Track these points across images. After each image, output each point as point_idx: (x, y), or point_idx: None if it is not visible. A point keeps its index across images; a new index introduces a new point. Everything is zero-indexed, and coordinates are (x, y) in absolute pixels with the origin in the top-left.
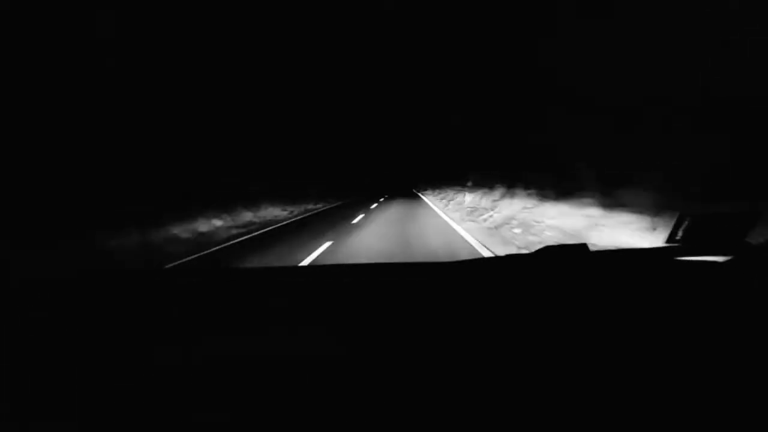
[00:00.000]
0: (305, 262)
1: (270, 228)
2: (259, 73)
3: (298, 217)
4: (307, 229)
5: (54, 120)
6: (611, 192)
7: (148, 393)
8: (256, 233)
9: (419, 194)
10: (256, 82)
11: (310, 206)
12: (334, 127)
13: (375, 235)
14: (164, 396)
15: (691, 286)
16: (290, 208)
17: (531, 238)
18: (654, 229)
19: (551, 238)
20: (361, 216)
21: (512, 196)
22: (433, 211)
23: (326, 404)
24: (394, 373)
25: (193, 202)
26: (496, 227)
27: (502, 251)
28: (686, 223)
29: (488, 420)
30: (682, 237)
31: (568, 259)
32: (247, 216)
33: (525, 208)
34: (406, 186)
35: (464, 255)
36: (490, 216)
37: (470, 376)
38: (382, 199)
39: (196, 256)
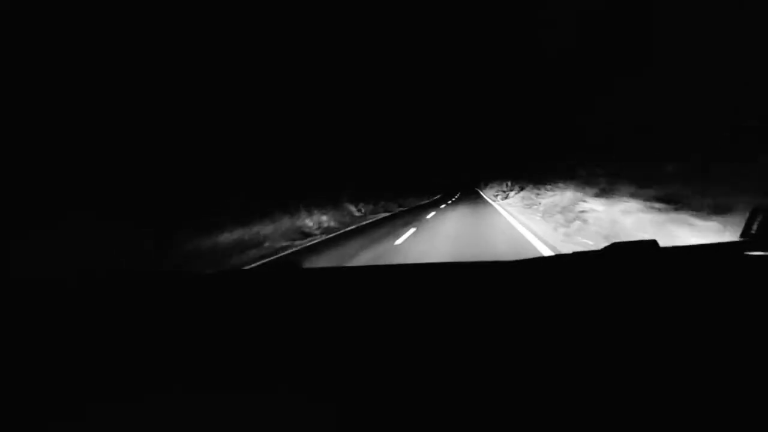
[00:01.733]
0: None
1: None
2: (335, 79)
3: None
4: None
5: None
6: None
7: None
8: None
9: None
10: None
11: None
12: (407, 132)
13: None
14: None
15: (764, 283)
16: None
17: None
18: None
19: None
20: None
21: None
22: None
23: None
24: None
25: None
26: None
27: None
28: (760, 217)
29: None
30: (756, 232)
31: (637, 256)
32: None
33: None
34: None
35: None
36: None
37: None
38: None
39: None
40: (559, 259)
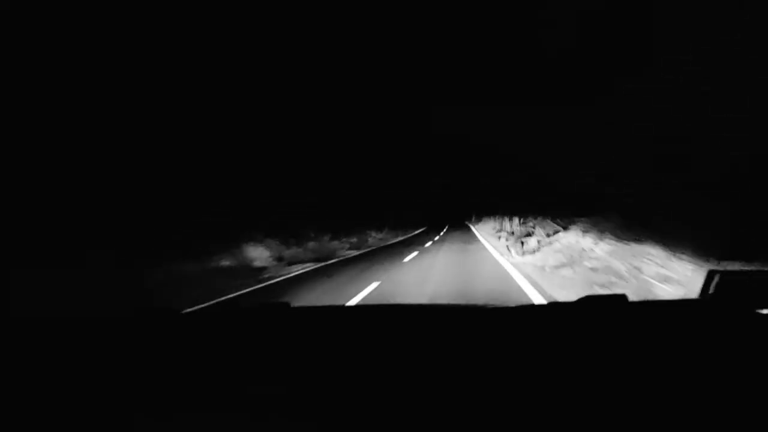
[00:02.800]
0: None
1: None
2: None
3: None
4: None
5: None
6: None
7: None
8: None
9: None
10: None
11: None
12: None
13: None
14: None
15: (726, 341)
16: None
17: None
18: None
19: None
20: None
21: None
22: None
23: None
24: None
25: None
26: None
27: None
28: (716, 278)
29: None
30: (713, 292)
31: (607, 309)
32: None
33: None
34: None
35: None
36: None
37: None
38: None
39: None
40: (535, 309)
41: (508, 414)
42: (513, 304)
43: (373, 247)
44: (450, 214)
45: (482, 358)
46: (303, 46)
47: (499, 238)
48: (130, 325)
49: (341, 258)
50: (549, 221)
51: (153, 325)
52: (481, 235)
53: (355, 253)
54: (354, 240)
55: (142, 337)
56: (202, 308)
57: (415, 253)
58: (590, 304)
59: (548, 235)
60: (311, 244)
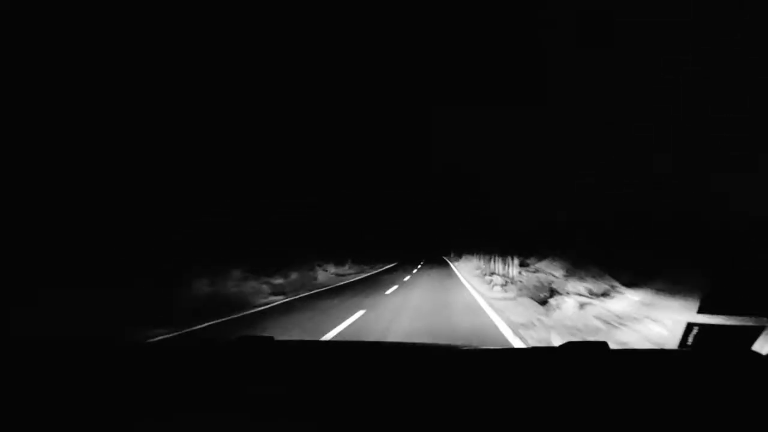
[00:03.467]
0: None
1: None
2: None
3: None
4: None
5: None
6: None
7: None
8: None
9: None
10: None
11: None
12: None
13: None
14: None
15: (703, 391)
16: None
17: None
18: None
19: None
20: None
21: None
22: None
23: None
24: None
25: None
26: None
27: None
28: (695, 330)
29: None
30: (692, 343)
31: (588, 356)
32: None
33: None
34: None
35: None
36: None
37: None
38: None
39: None
40: (517, 353)
41: None
42: (498, 347)
43: (317, 290)
44: (426, 249)
45: (467, 400)
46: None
47: (490, 283)
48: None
49: (243, 314)
50: (585, 274)
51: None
52: (463, 276)
53: (277, 301)
54: (292, 278)
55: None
56: (172, 339)
57: (362, 313)
58: (572, 349)
59: (597, 295)
60: (204, 287)
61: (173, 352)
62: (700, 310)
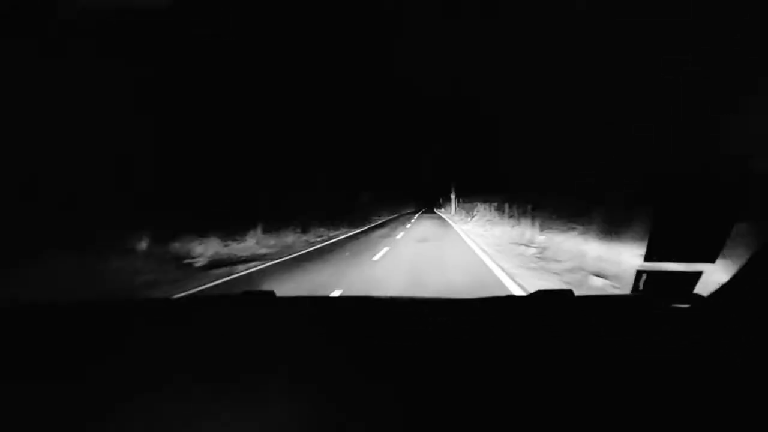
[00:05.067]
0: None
1: None
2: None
3: None
4: None
5: None
6: None
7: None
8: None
9: None
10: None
11: None
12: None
13: None
14: None
15: (656, 330)
16: None
17: None
18: None
19: None
20: None
21: None
22: None
23: None
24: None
25: None
26: None
27: None
28: (644, 276)
29: None
30: (643, 288)
31: (555, 302)
32: None
33: None
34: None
35: None
36: None
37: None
38: None
39: None
40: (493, 301)
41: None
42: (475, 297)
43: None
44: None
45: (455, 347)
46: None
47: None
48: (121, 311)
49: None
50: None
51: (151, 310)
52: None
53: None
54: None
55: (137, 322)
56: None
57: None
58: (541, 297)
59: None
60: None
61: (177, 307)
62: (646, 258)
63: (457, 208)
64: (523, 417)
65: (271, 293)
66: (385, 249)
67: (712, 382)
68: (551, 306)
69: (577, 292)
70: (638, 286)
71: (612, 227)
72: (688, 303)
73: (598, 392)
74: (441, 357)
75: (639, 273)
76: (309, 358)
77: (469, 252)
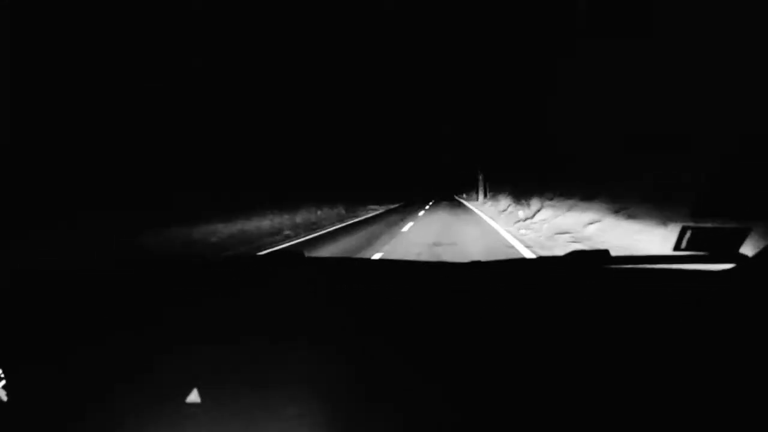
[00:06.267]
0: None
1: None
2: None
3: None
4: None
5: None
6: None
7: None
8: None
9: None
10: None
11: None
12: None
13: None
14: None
15: (698, 291)
16: None
17: None
18: None
19: None
20: None
21: None
22: None
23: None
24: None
25: None
26: None
27: None
28: (689, 234)
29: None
30: (686, 246)
31: (592, 263)
32: None
33: None
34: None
35: None
36: None
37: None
38: None
39: None
40: (529, 262)
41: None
42: (508, 258)
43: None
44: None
45: (486, 308)
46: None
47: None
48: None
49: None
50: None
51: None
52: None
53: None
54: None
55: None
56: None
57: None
58: (577, 258)
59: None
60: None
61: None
62: (694, 214)
63: (489, 196)
64: (565, 376)
65: (301, 253)
66: None
67: (762, 344)
68: (588, 267)
69: None
70: (681, 244)
71: None
72: (732, 262)
73: (650, 359)
74: (482, 322)
75: (683, 230)
76: (328, 321)
77: None
